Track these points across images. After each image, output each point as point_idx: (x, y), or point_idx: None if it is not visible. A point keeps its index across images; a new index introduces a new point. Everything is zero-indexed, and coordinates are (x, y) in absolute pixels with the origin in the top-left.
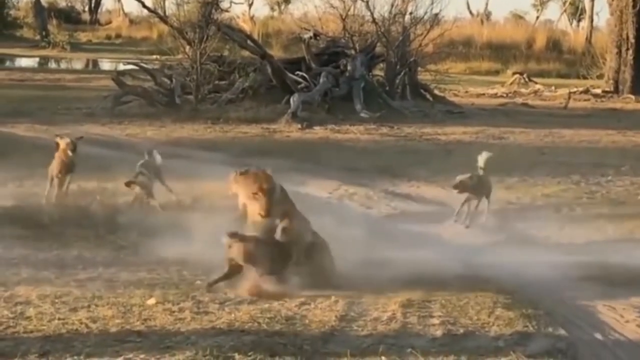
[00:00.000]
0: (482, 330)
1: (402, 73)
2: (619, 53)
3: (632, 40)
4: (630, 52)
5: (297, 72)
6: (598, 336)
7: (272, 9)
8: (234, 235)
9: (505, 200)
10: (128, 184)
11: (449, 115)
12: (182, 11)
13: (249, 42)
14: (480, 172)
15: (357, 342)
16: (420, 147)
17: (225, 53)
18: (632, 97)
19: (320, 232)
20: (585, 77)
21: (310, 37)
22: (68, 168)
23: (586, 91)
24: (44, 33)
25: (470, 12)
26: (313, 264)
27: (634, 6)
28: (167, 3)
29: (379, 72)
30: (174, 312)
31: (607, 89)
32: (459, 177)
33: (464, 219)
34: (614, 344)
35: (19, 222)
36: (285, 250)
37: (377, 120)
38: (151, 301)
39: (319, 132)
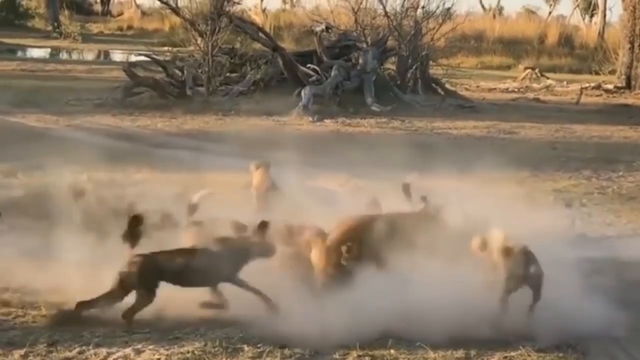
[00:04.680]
0: (492, 324)
1: (414, 67)
2: (632, 49)
3: None
4: None
5: (309, 65)
6: (609, 332)
7: (284, 1)
8: None
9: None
10: None
11: (460, 110)
12: (194, 3)
13: (260, 34)
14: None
15: (365, 334)
16: (431, 141)
17: (237, 45)
18: None
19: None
20: (597, 73)
21: (322, 30)
22: None
23: (598, 87)
24: (55, 24)
25: (483, 7)
26: None
27: None
28: None
29: (390, 65)
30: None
31: (619, 85)
32: None
33: None
34: (625, 340)
35: (28, 213)
36: None
37: (388, 114)
38: None
39: (329, 125)
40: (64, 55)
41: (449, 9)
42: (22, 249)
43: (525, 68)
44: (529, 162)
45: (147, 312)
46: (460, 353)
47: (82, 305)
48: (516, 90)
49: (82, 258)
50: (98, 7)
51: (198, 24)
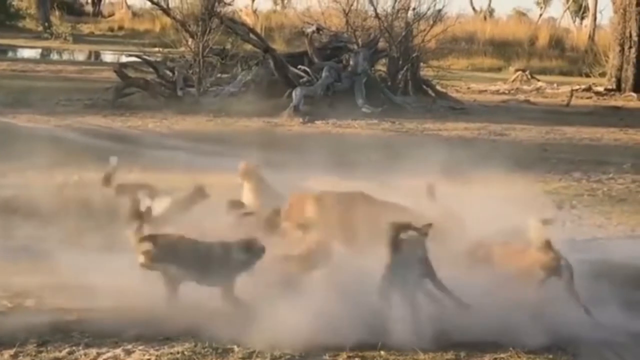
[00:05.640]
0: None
1: (405, 68)
2: (622, 51)
3: (635, 38)
4: (633, 50)
5: (300, 66)
6: (599, 334)
7: (275, 2)
8: None
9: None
10: None
11: (450, 111)
12: (185, 4)
13: (251, 35)
14: None
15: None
16: (422, 143)
17: (228, 46)
18: (634, 95)
19: None
20: (587, 75)
21: (313, 32)
22: None
23: (588, 89)
24: (46, 24)
25: (474, 9)
26: None
27: (637, 4)
28: None
29: (381, 67)
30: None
31: (610, 87)
32: None
33: None
34: (615, 342)
35: (19, 213)
36: None
37: (378, 116)
38: None
39: (320, 126)
40: (54, 56)
41: (439, 10)
42: (12, 249)
43: (516, 70)
44: (519, 164)
45: (138, 312)
46: (450, 355)
47: None
48: (507, 92)
49: (73, 257)
50: (89, 8)
51: (189, 25)
